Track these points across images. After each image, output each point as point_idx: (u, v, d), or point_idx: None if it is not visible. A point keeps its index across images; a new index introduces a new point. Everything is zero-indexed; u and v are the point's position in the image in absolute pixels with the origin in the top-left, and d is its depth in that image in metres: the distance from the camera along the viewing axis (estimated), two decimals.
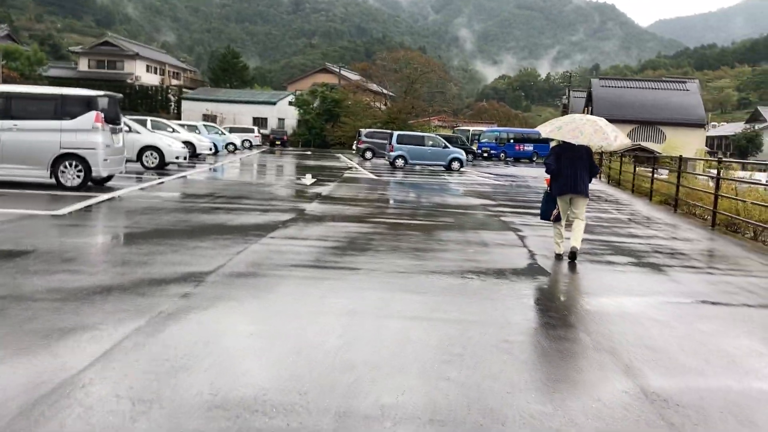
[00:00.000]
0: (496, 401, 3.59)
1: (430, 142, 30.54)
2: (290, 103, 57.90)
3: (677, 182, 15.15)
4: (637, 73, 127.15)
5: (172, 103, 60.56)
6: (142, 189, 14.16)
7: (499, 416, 3.40)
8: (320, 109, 55.12)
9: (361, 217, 11.34)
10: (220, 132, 36.46)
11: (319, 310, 5.28)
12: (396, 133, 30.93)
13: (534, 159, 46.81)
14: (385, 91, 56.33)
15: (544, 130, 8.59)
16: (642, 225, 12.58)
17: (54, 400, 3.30)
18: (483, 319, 5.21)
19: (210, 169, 22.55)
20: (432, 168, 29.93)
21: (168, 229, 8.94)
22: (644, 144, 42.83)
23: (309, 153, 42.79)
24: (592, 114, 45.02)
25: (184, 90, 64.14)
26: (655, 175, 18.15)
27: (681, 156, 15.75)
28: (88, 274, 6.07)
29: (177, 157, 20.36)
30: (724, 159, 14.06)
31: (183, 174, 18.82)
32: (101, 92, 13.46)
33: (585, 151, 8.24)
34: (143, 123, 22.81)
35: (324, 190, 16.21)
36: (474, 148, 44.02)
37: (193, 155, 25.41)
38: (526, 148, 47.02)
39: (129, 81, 63.37)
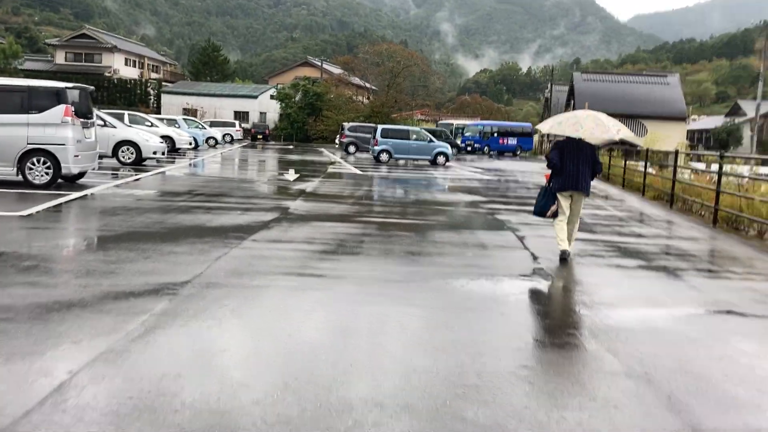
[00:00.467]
0: None
1: (415, 137, 29.88)
2: (272, 97, 56.86)
3: (673, 177, 14.67)
4: (617, 67, 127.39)
5: (152, 97, 59.19)
6: (116, 186, 13.40)
7: None
8: (302, 103, 54.26)
9: (348, 216, 10.70)
10: (200, 126, 35.73)
11: (307, 328, 4.67)
12: (380, 127, 30.19)
13: (518, 153, 46.59)
14: (367, 85, 55.66)
15: (544, 127, 8.60)
16: (641, 223, 12.08)
17: None
18: (495, 340, 4.60)
19: (189, 164, 21.77)
20: (417, 162, 29.31)
21: (141, 231, 8.24)
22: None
23: (291, 147, 41.96)
24: (574, 108, 44.83)
25: (163, 84, 62.70)
26: (648, 170, 17.68)
27: (677, 150, 15.28)
28: (46, 286, 5.40)
29: (155, 153, 19.58)
30: (726, 154, 13.55)
31: (161, 170, 18.05)
32: (71, 84, 12.68)
33: (588, 147, 7.99)
34: (120, 117, 22.11)
35: (308, 186, 15.53)
36: (458, 141, 43.52)
37: (172, 150, 24.71)
38: (509, 141, 46.88)
39: (107, 74, 62.06)
